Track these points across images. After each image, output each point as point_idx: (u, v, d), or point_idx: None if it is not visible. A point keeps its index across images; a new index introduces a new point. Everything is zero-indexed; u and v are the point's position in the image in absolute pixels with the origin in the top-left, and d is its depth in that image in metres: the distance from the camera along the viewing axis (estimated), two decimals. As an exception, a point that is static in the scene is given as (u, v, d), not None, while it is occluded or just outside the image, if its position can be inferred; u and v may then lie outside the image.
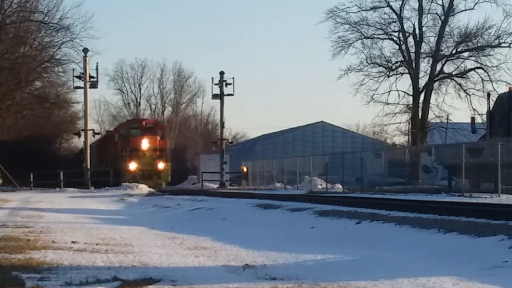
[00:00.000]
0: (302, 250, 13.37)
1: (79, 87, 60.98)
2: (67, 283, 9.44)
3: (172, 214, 27.08)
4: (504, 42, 56.83)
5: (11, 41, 58.75)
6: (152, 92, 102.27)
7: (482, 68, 57.18)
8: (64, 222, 22.16)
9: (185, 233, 18.20)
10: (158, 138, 59.33)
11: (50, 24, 60.45)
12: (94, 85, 60.49)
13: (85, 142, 61.17)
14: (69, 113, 73.76)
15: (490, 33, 57.17)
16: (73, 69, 60.01)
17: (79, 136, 63.56)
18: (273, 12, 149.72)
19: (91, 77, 59.65)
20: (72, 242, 15.12)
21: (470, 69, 58.07)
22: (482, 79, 56.88)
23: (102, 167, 63.03)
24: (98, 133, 70.46)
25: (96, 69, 60.16)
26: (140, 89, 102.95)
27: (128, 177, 56.77)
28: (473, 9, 57.81)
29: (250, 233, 17.87)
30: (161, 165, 58.30)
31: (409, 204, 18.96)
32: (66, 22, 60.10)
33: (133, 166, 57.61)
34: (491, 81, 56.45)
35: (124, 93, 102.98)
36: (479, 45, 57.51)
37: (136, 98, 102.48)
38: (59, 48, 61.46)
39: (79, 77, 59.57)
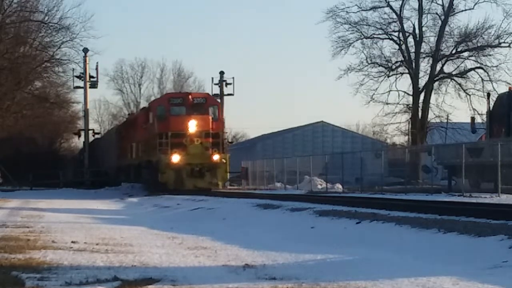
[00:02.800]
0: (302, 250, 13.37)
1: (79, 87, 61.12)
2: (67, 283, 9.44)
3: (172, 214, 27.07)
4: (504, 42, 56.86)
5: (11, 41, 58.74)
6: (152, 92, 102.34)
7: (482, 68, 57.20)
8: (64, 222, 22.16)
9: (185, 233, 18.19)
10: (211, 118, 42.81)
11: (50, 24, 60.42)
12: (94, 85, 60.60)
13: (85, 142, 61.14)
14: (69, 113, 73.80)
15: (490, 33, 57.23)
16: (73, 69, 60.12)
17: (79, 136, 63.61)
18: (273, 12, 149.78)
19: (91, 77, 59.74)
20: (72, 242, 15.13)
21: (470, 69, 58.10)
22: (482, 79, 56.92)
23: (124, 161, 52.28)
24: (98, 133, 70.35)
25: (96, 69, 60.28)
26: (140, 89, 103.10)
27: (170, 174, 41.71)
28: (473, 9, 57.87)
29: (250, 233, 17.87)
30: (216, 157, 41.71)
31: (409, 204, 18.96)
32: (66, 22, 60.09)
33: (176, 158, 41.29)
34: (491, 81, 56.49)
35: (124, 93, 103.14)
36: (479, 45, 57.53)
37: (136, 98, 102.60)
38: (59, 48, 61.44)
39: (79, 77, 59.66)
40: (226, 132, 43.61)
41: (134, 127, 50.27)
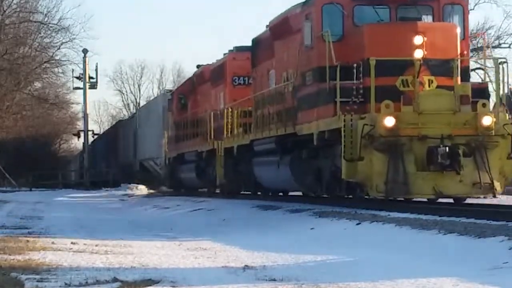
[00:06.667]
0: (302, 251, 13.36)
1: (78, 88, 61.22)
2: (67, 284, 9.43)
3: (172, 215, 27.04)
4: (504, 43, 56.84)
5: (11, 42, 58.81)
6: (151, 92, 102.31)
7: (482, 69, 57.12)
8: (64, 223, 22.13)
9: (185, 234, 18.18)
10: (459, 31, 19.43)
11: (50, 25, 60.57)
12: (93, 85, 60.72)
13: (85, 142, 61.14)
14: (69, 114, 73.86)
15: (490, 33, 57.20)
16: (73, 70, 60.23)
17: (79, 137, 63.62)
18: (274, 12, 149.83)
19: (90, 77, 59.83)
20: (72, 243, 15.11)
21: (470, 70, 58.00)
22: (482, 80, 56.84)
23: (196, 146, 33.14)
24: (97, 134, 70.31)
25: (96, 69, 60.41)
26: (139, 90, 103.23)
27: (374, 161, 17.78)
28: (473, 9, 57.79)
29: (250, 234, 17.85)
30: (487, 121, 18.12)
31: (409, 205, 18.90)
32: (66, 22, 60.26)
33: (390, 121, 17.53)
34: (491, 81, 56.39)
35: (123, 93, 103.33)
36: (479, 45, 57.50)
37: (136, 99, 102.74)
38: (59, 48, 61.64)
39: (78, 78, 59.77)
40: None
41: (221, 83, 30.56)
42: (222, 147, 28.60)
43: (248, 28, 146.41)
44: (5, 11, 58.94)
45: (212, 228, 20.26)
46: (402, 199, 19.27)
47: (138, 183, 47.47)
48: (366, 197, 19.31)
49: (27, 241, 15.46)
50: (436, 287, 9.52)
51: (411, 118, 18.00)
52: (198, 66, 35.79)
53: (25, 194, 47.41)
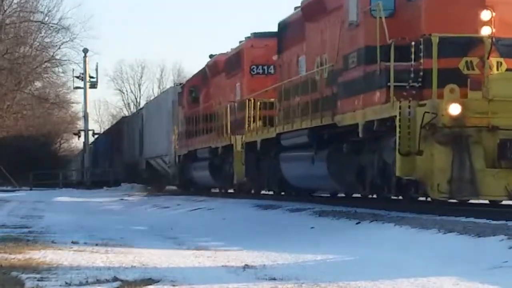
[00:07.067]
0: (302, 250, 13.37)
1: (79, 87, 61.29)
2: (67, 283, 9.45)
3: (172, 214, 27.05)
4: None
5: (11, 41, 58.90)
6: (152, 92, 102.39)
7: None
8: (64, 223, 22.15)
9: (185, 233, 18.19)
10: None
11: (50, 25, 60.69)
12: (94, 85, 60.79)
13: (85, 142, 61.16)
14: (69, 113, 73.90)
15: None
16: (73, 69, 60.34)
17: (79, 137, 63.64)
18: (275, 12, 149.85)
19: (91, 77, 59.91)
20: (72, 242, 15.13)
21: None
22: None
23: (212, 141, 30.39)
24: (97, 133, 70.28)
25: (96, 69, 60.49)
26: (140, 89, 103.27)
27: (437, 154, 15.03)
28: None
29: (250, 233, 17.88)
30: None
31: (409, 204, 18.91)
32: (66, 22, 60.40)
33: (456, 109, 14.99)
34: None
35: (124, 93, 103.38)
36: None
37: (136, 98, 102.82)
38: (59, 48, 61.73)
39: (79, 77, 59.83)
40: None
41: (237, 73, 28.52)
42: (241, 142, 26.23)
43: (248, 27, 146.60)
44: (5, 11, 59.02)
45: (212, 228, 20.29)
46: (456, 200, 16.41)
47: (143, 183, 46.14)
48: (421, 198, 17.18)
49: (28, 240, 15.49)
50: (436, 287, 9.53)
51: (479, 105, 15.35)
52: (211, 56, 33.18)
53: (25, 193, 47.42)
